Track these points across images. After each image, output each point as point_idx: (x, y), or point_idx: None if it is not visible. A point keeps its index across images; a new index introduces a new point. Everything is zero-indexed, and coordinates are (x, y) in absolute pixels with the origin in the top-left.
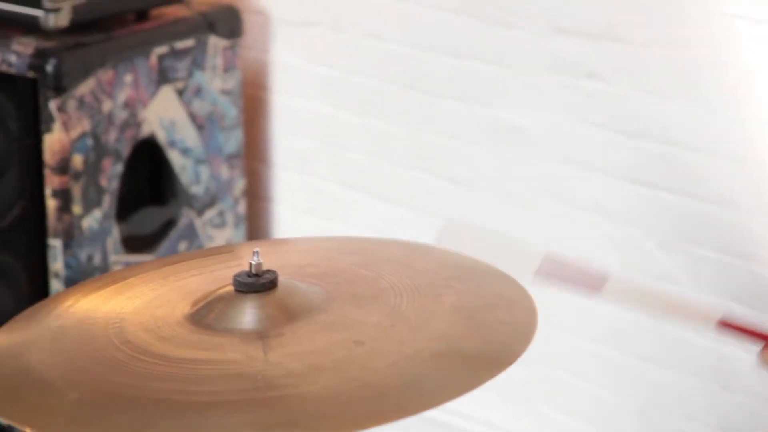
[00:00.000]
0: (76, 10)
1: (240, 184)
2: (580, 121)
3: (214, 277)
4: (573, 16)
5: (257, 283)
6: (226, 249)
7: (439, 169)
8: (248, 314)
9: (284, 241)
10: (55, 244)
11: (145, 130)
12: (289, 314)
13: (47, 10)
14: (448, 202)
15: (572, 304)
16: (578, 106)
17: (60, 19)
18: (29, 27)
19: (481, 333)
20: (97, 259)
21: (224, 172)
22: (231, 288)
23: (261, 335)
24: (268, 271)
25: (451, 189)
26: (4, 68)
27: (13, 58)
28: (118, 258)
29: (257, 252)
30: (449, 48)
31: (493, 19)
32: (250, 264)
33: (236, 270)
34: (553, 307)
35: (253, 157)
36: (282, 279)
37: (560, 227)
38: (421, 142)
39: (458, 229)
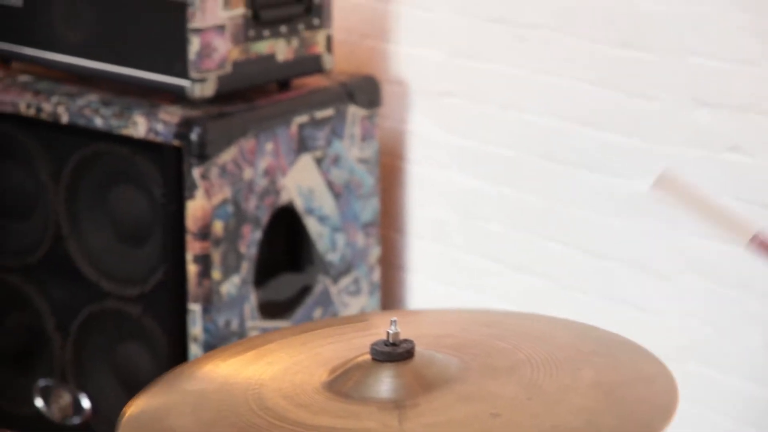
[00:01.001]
0: (221, 80)
1: (375, 252)
2: (721, 194)
3: (351, 345)
4: (715, 87)
5: (394, 353)
6: (362, 317)
7: (577, 241)
8: (385, 383)
9: (420, 311)
10: (195, 308)
11: (284, 198)
12: (426, 384)
13: (194, 81)
14: (585, 274)
15: (705, 378)
16: (719, 180)
17: (205, 89)
18: (176, 96)
19: (619, 410)
20: (234, 325)
21: (360, 240)
22: (368, 356)
23: (397, 405)
24: (405, 340)
25: (588, 261)
26: (151, 136)
27: (159, 127)
28: (254, 324)
29: (395, 321)
30: (587, 119)
31: (632, 90)
32: (388, 333)
33: (372, 338)
34: (691, 385)
35: (388, 225)
36: (419, 349)
37: (699, 302)
38: (557, 213)
39: (675, 181)
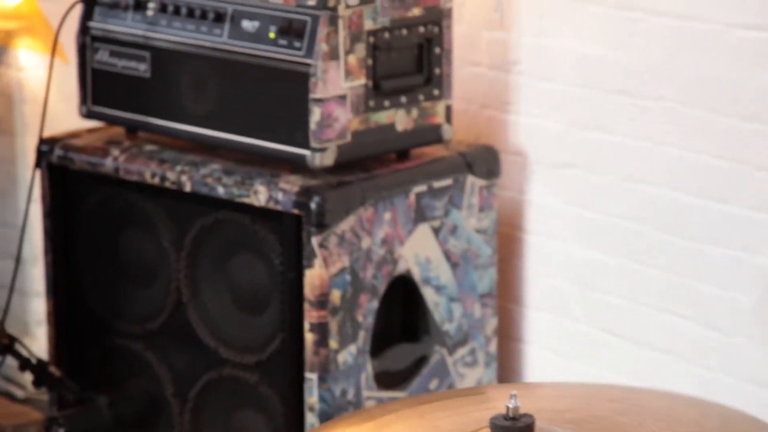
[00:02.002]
0: (341, 149)
1: (492, 323)
2: None
3: (469, 418)
4: None
5: (514, 427)
6: (480, 390)
7: (701, 316)
8: None
9: (539, 384)
10: (312, 377)
11: (401, 267)
12: None
13: (314, 150)
14: (709, 350)
15: None
16: None
17: (326, 159)
18: (296, 165)
19: None
20: (350, 394)
21: (477, 310)
22: (487, 431)
23: None
24: (525, 415)
25: (713, 336)
26: (272, 205)
27: (279, 196)
28: (370, 393)
29: (514, 395)
30: (711, 192)
31: (758, 163)
32: (507, 407)
33: (491, 412)
34: None
35: (506, 296)
36: (539, 424)
37: None
38: (680, 288)
39: None
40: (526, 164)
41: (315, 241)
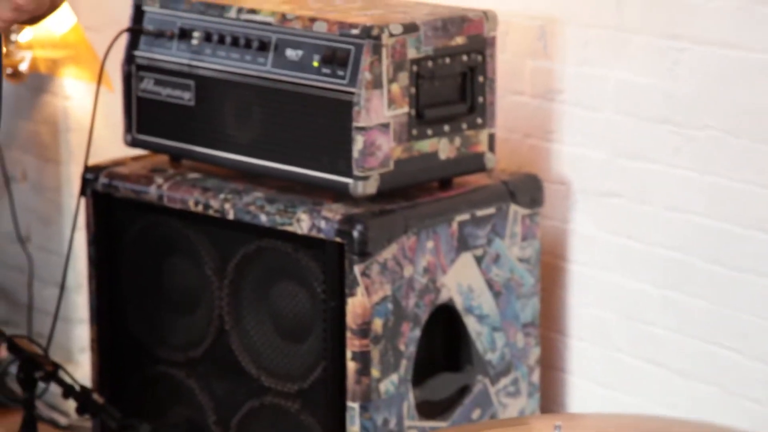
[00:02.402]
0: (383, 178)
1: (535, 353)
2: None
3: None
4: None
5: None
6: (523, 421)
7: (747, 348)
8: None
9: (582, 415)
10: (353, 406)
11: (444, 296)
12: None
13: (357, 178)
14: (756, 382)
15: None
16: None
17: (368, 187)
18: (339, 194)
19: None
20: (392, 424)
21: (520, 340)
22: None
23: None
24: None
25: (759, 368)
26: (314, 233)
27: (322, 224)
28: (412, 423)
29: (559, 427)
30: (756, 222)
31: None
32: None
33: None
34: None
35: (548, 326)
36: None
37: None
38: (726, 319)
39: None
40: (569, 193)
41: (357, 269)
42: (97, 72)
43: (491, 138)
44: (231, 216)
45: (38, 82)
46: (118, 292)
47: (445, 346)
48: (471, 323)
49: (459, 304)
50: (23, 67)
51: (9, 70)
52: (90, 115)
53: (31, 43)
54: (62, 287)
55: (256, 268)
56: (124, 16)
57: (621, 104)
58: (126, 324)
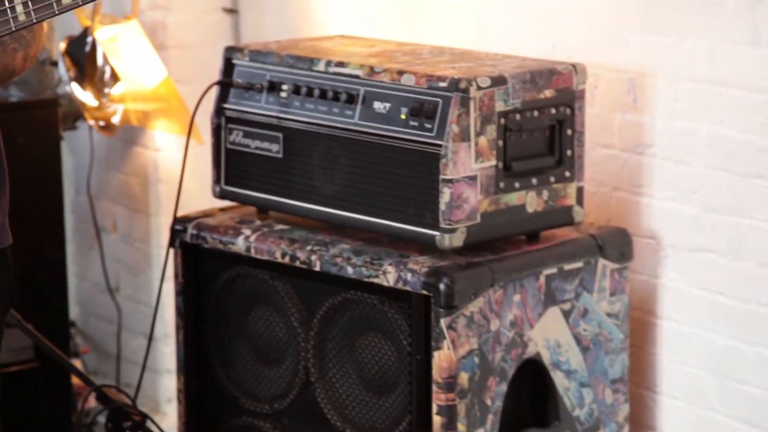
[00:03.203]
0: (470, 230)
1: (624, 410)
2: None
3: None
4: None
5: None
6: None
7: None
8: None
9: None
10: None
11: (530, 350)
12: None
13: (443, 231)
14: None
15: None
16: None
17: (455, 240)
18: (425, 246)
19: None
20: None
21: (608, 396)
22: None
23: None
24: None
25: None
26: (400, 285)
27: (408, 276)
28: None
29: None
30: None
31: None
32: None
33: None
34: None
35: (638, 383)
36: None
37: None
38: None
39: None
40: (659, 248)
41: (443, 322)
42: (187, 124)
43: (579, 191)
44: (317, 267)
45: (129, 134)
46: (205, 343)
47: (532, 401)
48: (558, 378)
49: (546, 358)
50: (115, 119)
51: (101, 123)
52: (179, 167)
53: (123, 96)
54: (150, 338)
55: (342, 320)
56: (213, 70)
57: (712, 158)
58: (213, 375)
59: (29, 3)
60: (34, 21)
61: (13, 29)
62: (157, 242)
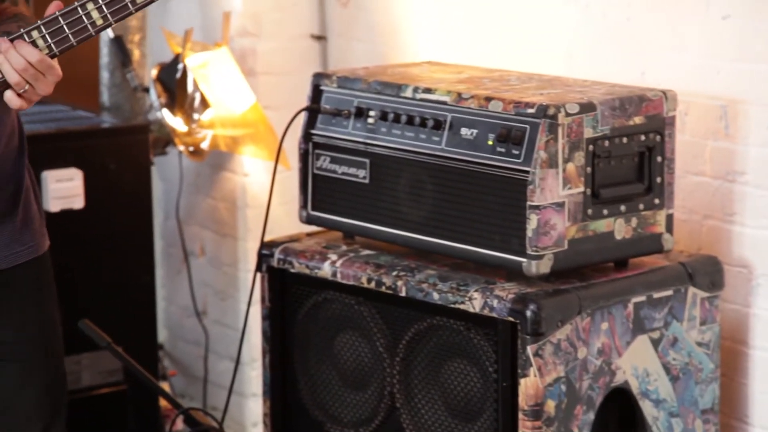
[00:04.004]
0: (557, 257)
1: None
2: None
3: None
4: None
5: None
6: None
7: None
8: None
9: None
10: None
11: (618, 379)
12: None
13: (530, 258)
14: None
15: None
16: None
17: (542, 267)
18: (512, 273)
19: None
20: None
21: (698, 427)
22: None
23: None
24: None
25: None
26: (486, 312)
27: (495, 303)
28: None
29: None
30: None
31: None
32: None
33: None
34: None
35: (729, 413)
36: None
37: None
38: None
39: None
40: (751, 277)
41: (530, 349)
42: (274, 150)
43: (669, 219)
44: (403, 293)
45: (218, 159)
46: (290, 367)
47: (619, 430)
48: (647, 408)
49: (635, 387)
50: (204, 145)
51: (191, 148)
52: (267, 192)
53: (213, 121)
54: (237, 361)
55: (428, 346)
56: (301, 96)
57: None
58: (298, 399)
59: (103, 7)
60: (112, 23)
61: (93, 34)
62: (244, 266)
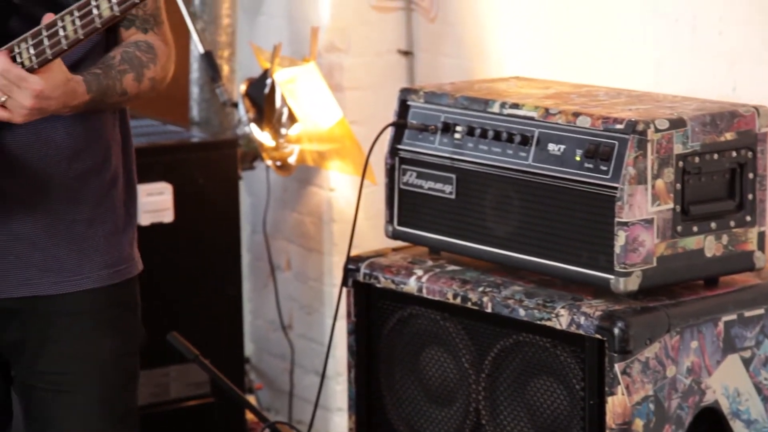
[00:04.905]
0: (645, 274)
1: None
2: None
3: None
4: None
5: None
6: None
7: None
8: None
9: None
10: None
11: (708, 398)
12: None
13: (618, 275)
14: None
15: None
16: None
17: (630, 284)
18: (599, 289)
19: None
20: None
21: None
22: None
23: None
24: None
25: None
26: (573, 329)
27: (582, 320)
28: None
29: None
30: None
31: None
32: None
33: None
34: None
35: None
36: None
37: None
38: None
39: None
40: None
41: (618, 367)
42: (361, 165)
43: (761, 236)
44: (489, 309)
45: (305, 174)
46: (376, 382)
47: None
48: (738, 428)
49: (725, 407)
50: (291, 159)
51: (278, 163)
52: (353, 207)
53: (300, 136)
54: (323, 376)
55: (514, 363)
56: (388, 111)
57: None
58: (383, 413)
59: (76, 20)
60: (117, 15)
61: (99, 27)
62: (330, 281)
